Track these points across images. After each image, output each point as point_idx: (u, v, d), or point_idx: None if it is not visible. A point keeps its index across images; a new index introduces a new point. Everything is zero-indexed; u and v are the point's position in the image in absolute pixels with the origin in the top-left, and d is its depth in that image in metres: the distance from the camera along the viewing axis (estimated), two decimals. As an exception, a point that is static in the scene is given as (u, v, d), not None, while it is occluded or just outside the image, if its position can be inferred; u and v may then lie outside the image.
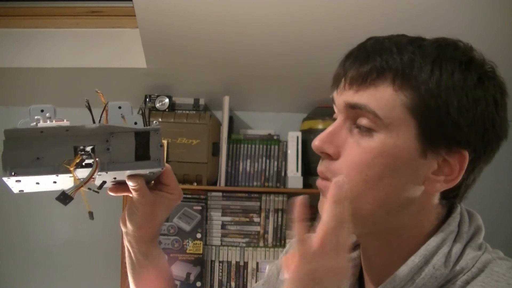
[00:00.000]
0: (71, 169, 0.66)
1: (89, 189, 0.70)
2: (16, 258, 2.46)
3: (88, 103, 0.70)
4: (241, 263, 2.22)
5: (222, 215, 2.22)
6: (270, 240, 2.23)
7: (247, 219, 2.23)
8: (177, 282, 2.12)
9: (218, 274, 2.21)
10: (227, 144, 2.28)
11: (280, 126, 2.46)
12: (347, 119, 0.67)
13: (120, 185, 0.80)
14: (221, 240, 2.22)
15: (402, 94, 0.62)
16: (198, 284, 2.15)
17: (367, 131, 0.64)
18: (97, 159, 0.67)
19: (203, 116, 2.25)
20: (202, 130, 2.22)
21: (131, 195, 0.80)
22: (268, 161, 2.30)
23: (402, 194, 0.65)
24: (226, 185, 2.26)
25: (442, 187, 0.65)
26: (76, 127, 0.67)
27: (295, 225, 0.60)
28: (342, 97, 0.66)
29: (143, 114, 0.75)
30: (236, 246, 2.22)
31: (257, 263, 2.22)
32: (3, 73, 2.25)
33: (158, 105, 2.30)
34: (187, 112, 2.31)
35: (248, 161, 2.30)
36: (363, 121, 0.64)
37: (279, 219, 2.23)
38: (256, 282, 2.18)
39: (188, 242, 2.16)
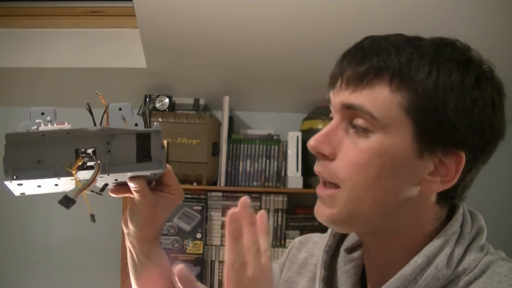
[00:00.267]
0: (73, 172, 0.66)
1: (92, 191, 0.70)
2: (16, 258, 2.46)
3: (89, 106, 0.70)
4: (241, 263, 2.22)
5: (222, 215, 2.22)
6: (270, 240, 2.22)
7: (247, 219, 2.22)
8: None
9: (218, 274, 2.21)
10: (227, 144, 2.28)
11: (280, 126, 2.47)
12: (344, 119, 0.66)
13: (121, 186, 0.80)
14: (221, 240, 2.22)
15: (399, 95, 0.62)
16: (198, 284, 2.15)
17: (364, 131, 0.64)
18: (98, 161, 0.67)
19: (203, 116, 2.25)
20: (202, 130, 2.22)
21: (132, 196, 0.81)
22: (268, 161, 2.30)
23: (399, 194, 0.65)
24: (226, 185, 2.26)
25: (438, 188, 0.65)
26: (77, 130, 0.67)
27: (230, 242, 0.59)
28: (339, 97, 0.66)
29: (143, 116, 0.75)
30: (236, 246, 2.22)
31: (257, 263, 2.22)
32: (3, 73, 2.25)
33: (158, 105, 2.30)
34: (187, 112, 2.31)
35: (248, 161, 2.30)
36: (359, 122, 0.64)
37: (279, 219, 2.23)
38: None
39: (188, 242, 2.16)
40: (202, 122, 2.23)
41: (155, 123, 0.72)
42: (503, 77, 0.67)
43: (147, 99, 2.32)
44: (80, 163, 0.67)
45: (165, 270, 0.92)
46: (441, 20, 1.89)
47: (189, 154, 2.20)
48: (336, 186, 0.66)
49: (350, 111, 0.64)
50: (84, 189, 0.67)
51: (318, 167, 0.68)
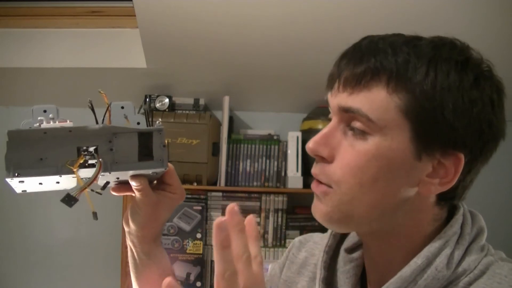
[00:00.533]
0: (75, 170, 0.66)
1: (92, 190, 0.70)
2: (16, 258, 2.46)
3: (91, 104, 0.70)
4: (241, 263, 2.22)
5: (222, 215, 2.21)
6: (270, 240, 2.23)
7: (247, 219, 2.22)
8: (178, 282, 2.12)
9: (218, 274, 2.21)
10: (227, 144, 2.28)
11: (280, 126, 2.47)
12: (341, 121, 0.66)
13: (122, 185, 0.80)
14: (221, 240, 2.22)
15: (396, 97, 0.61)
16: (198, 284, 2.15)
17: (361, 134, 0.63)
18: (100, 159, 0.67)
19: (203, 116, 2.25)
20: (202, 130, 2.22)
21: (133, 194, 0.81)
22: (268, 161, 2.30)
23: (396, 196, 0.64)
24: (226, 185, 2.26)
25: (437, 190, 0.64)
26: (79, 127, 0.67)
27: (218, 251, 0.56)
28: (336, 99, 0.66)
29: (146, 114, 0.75)
30: (236, 246, 2.22)
31: (257, 263, 2.22)
32: (3, 73, 2.25)
33: (158, 105, 2.30)
34: (187, 112, 2.31)
35: (248, 161, 2.30)
36: (357, 124, 0.63)
37: (279, 219, 2.23)
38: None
39: (188, 242, 2.16)
40: (202, 122, 2.23)
41: (157, 122, 0.72)
42: (503, 77, 0.66)
43: (147, 99, 2.32)
44: (81, 161, 0.67)
45: (166, 270, 0.92)
46: (441, 20, 1.89)
47: (189, 154, 2.20)
48: (329, 185, 0.66)
49: (348, 114, 0.64)
50: (86, 187, 0.67)
51: (315, 169, 0.68)
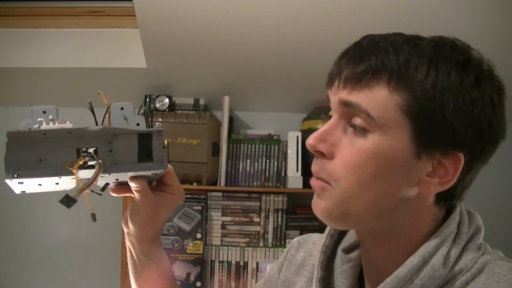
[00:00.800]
0: (74, 171, 0.66)
1: (92, 191, 0.70)
2: (16, 258, 2.46)
3: (91, 105, 0.70)
4: (241, 263, 2.22)
5: (222, 215, 2.23)
6: (270, 240, 2.23)
7: (247, 219, 2.23)
8: (177, 282, 2.12)
9: (218, 274, 2.21)
10: (227, 144, 2.28)
11: (280, 126, 2.47)
12: (342, 118, 0.66)
13: (122, 186, 0.80)
14: (221, 240, 2.22)
15: (397, 95, 0.61)
16: (198, 284, 2.15)
17: (361, 131, 0.63)
18: (99, 161, 0.67)
19: (203, 116, 2.25)
20: (202, 130, 2.22)
21: (133, 195, 0.81)
22: (268, 161, 2.30)
23: (395, 195, 0.64)
24: (226, 185, 2.26)
25: (436, 190, 0.64)
26: (79, 129, 0.68)
27: None
28: (337, 95, 0.66)
29: (145, 115, 0.75)
30: (236, 246, 2.23)
31: (257, 263, 2.22)
32: (3, 73, 2.25)
33: (158, 105, 2.30)
34: (187, 112, 2.31)
35: (248, 161, 2.30)
36: (357, 121, 0.63)
37: (279, 219, 2.23)
38: (256, 282, 2.18)
39: (188, 242, 2.16)
40: (202, 122, 2.23)
41: (157, 123, 0.72)
42: (503, 77, 0.66)
43: (147, 99, 2.32)
44: (81, 162, 0.67)
45: (165, 270, 0.93)
46: (441, 20, 1.89)
47: (189, 154, 2.20)
48: (328, 182, 0.66)
49: (348, 109, 0.64)
50: (85, 188, 0.67)
51: (315, 166, 0.68)
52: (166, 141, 0.71)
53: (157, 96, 2.31)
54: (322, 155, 0.67)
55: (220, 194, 2.23)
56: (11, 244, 2.47)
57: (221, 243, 2.22)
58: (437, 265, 0.63)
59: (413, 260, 0.64)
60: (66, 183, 0.70)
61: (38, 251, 2.46)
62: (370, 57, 0.62)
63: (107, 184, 0.74)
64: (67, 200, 0.66)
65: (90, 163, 0.67)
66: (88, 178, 0.68)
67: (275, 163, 2.30)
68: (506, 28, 1.94)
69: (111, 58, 2.24)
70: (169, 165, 0.78)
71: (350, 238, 0.78)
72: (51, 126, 0.67)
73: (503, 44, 1.97)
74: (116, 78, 2.28)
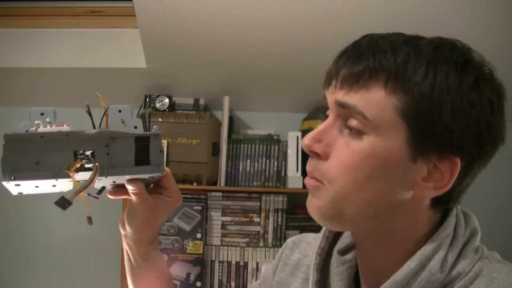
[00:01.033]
0: (71, 174, 0.66)
1: (89, 194, 0.70)
2: (16, 258, 2.47)
3: (89, 108, 0.70)
4: (241, 263, 2.22)
5: (222, 215, 2.23)
6: (270, 240, 2.23)
7: (247, 219, 2.23)
8: (177, 282, 2.13)
9: (218, 274, 2.21)
10: (227, 144, 2.28)
11: (280, 126, 2.47)
12: (338, 118, 0.65)
13: (119, 188, 0.80)
14: (221, 240, 2.22)
15: (394, 97, 0.60)
16: (198, 284, 2.15)
17: (357, 132, 0.62)
18: (96, 163, 0.67)
19: (203, 116, 2.25)
20: (202, 130, 2.22)
21: (130, 198, 0.81)
22: (268, 161, 2.30)
23: (390, 197, 0.64)
24: (226, 185, 2.26)
25: (431, 194, 0.63)
26: (76, 132, 0.68)
27: None
28: (333, 95, 0.65)
29: (143, 118, 0.75)
30: (236, 246, 2.23)
31: (257, 263, 2.22)
32: (3, 73, 2.26)
33: (158, 105, 2.30)
34: (187, 112, 2.31)
35: (248, 161, 2.30)
36: (353, 123, 0.63)
37: (279, 219, 2.23)
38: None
39: (188, 242, 2.16)
40: (202, 122, 2.23)
41: (155, 127, 0.72)
42: (503, 77, 0.65)
43: (147, 99, 2.32)
44: (78, 165, 0.67)
45: (163, 272, 0.93)
46: (441, 20, 1.89)
47: (189, 154, 2.20)
48: (321, 181, 0.66)
49: (344, 110, 0.63)
50: (82, 191, 0.67)
51: (309, 166, 0.68)
52: (166, 142, 0.71)
53: (157, 96, 2.32)
54: (317, 155, 0.66)
55: (220, 194, 2.23)
56: (11, 244, 2.47)
57: (221, 243, 2.22)
58: (434, 269, 0.62)
59: (410, 264, 0.63)
60: (63, 185, 0.70)
61: (38, 251, 2.46)
62: (368, 57, 0.62)
63: (103, 187, 0.74)
64: (63, 202, 0.66)
65: (87, 165, 0.67)
66: (85, 181, 0.68)
67: (275, 163, 2.30)
68: (506, 28, 1.94)
69: (111, 58, 2.24)
70: (166, 168, 0.78)
71: (345, 239, 0.78)
72: (49, 128, 0.67)
73: (503, 44, 1.97)
74: (116, 78, 2.28)
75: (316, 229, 0.91)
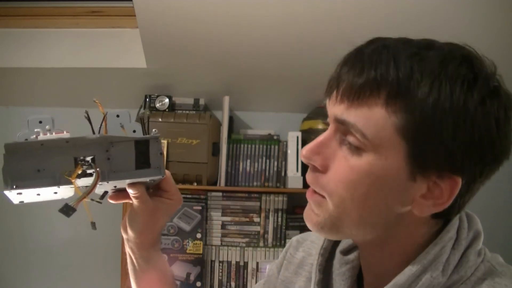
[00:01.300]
0: (73, 180, 0.66)
1: (92, 199, 0.71)
2: (16, 259, 2.47)
3: (88, 114, 0.70)
4: (241, 263, 2.23)
5: (222, 215, 2.23)
6: (270, 240, 2.23)
7: (247, 219, 2.23)
8: (177, 282, 2.13)
9: (218, 274, 2.21)
10: (227, 144, 2.28)
11: (280, 126, 2.46)
12: (338, 131, 0.65)
13: (120, 192, 0.81)
14: (221, 240, 2.23)
15: (394, 116, 0.59)
16: (198, 284, 2.15)
17: (356, 149, 0.61)
18: (98, 169, 0.68)
19: (203, 116, 2.25)
20: (202, 130, 2.22)
21: (131, 202, 0.81)
22: (268, 161, 2.30)
23: (387, 214, 0.63)
24: (226, 185, 2.26)
25: (430, 211, 0.63)
26: (76, 138, 0.68)
27: None
28: (333, 110, 0.64)
29: (141, 122, 0.76)
30: (236, 246, 2.23)
31: (257, 263, 2.22)
32: (3, 73, 2.25)
33: (158, 105, 2.30)
34: (187, 112, 2.31)
35: (248, 161, 2.30)
36: (351, 139, 0.62)
37: (279, 219, 2.23)
38: (256, 282, 2.18)
39: (188, 242, 2.16)
40: (202, 122, 2.23)
41: (154, 130, 0.72)
42: (503, 77, 0.63)
43: (147, 99, 2.32)
44: (79, 171, 0.67)
45: (166, 275, 0.93)
46: (441, 20, 1.89)
47: (189, 154, 2.20)
48: (323, 195, 0.65)
49: (343, 126, 0.62)
50: (84, 197, 0.67)
51: (309, 177, 0.67)
52: (166, 142, 0.72)
53: (157, 96, 2.32)
54: (315, 168, 0.66)
55: (220, 194, 2.23)
56: (11, 245, 2.47)
57: (221, 243, 2.23)
58: (436, 273, 0.62)
59: (412, 268, 0.63)
60: (64, 192, 0.71)
61: (38, 251, 2.46)
62: (369, 71, 0.60)
63: (106, 192, 0.75)
64: (67, 209, 0.66)
65: (88, 171, 0.68)
66: (87, 186, 0.68)
67: (275, 163, 2.30)
68: (506, 28, 1.94)
69: (111, 58, 2.24)
70: (166, 171, 0.79)
71: (348, 239, 0.78)
72: (48, 136, 0.67)
73: (503, 44, 1.97)
74: (116, 78, 2.28)
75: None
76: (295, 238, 0.93)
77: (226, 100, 2.29)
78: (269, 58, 2.17)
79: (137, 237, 0.84)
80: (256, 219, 2.23)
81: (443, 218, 0.67)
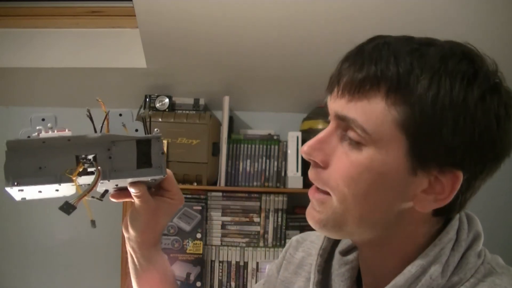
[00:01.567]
0: (74, 178, 0.66)
1: (93, 197, 0.71)
2: (16, 259, 2.47)
3: (89, 112, 0.70)
4: (241, 263, 2.23)
5: (222, 215, 2.23)
6: (270, 240, 2.23)
7: (247, 219, 2.23)
8: (177, 282, 2.13)
9: (218, 274, 2.21)
10: (227, 144, 2.28)
11: (280, 126, 2.46)
12: (339, 127, 0.65)
13: (121, 191, 0.81)
14: (221, 240, 2.23)
15: (394, 110, 0.59)
16: (198, 284, 2.15)
17: (356, 144, 0.62)
18: (99, 167, 0.68)
19: (203, 116, 2.25)
20: (202, 130, 2.22)
21: (132, 201, 0.81)
22: (268, 161, 2.30)
23: (389, 210, 0.63)
24: (226, 185, 2.26)
25: (431, 206, 0.63)
26: (78, 136, 0.68)
27: None
28: (334, 105, 0.64)
29: (143, 121, 0.76)
30: (236, 246, 2.23)
31: (257, 263, 2.22)
32: (3, 73, 2.25)
33: (158, 105, 2.30)
34: (187, 112, 2.31)
35: (248, 161, 2.30)
36: (351, 134, 0.62)
37: (279, 219, 2.23)
38: (256, 282, 2.18)
39: (188, 242, 2.16)
40: (202, 122, 2.23)
41: (156, 129, 0.72)
42: (506, 78, 0.63)
43: (147, 99, 2.32)
44: (80, 170, 0.67)
45: (167, 274, 0.93)
46: (442, 21, 1.89)
47: (189, 154, 2.20)
48: (327, 192, 0.65)
49: (344, 122, 0.63)
50: (85, 195, 0.67)
51: (311, 174, 0.67)
52: (166, 142, 0.72)
53: (157, 96, 2.32)
54: (316, 163, 0.66)
55: (220, 194, 2.23)
56: (11, 245, 2.47)
57: (221, 243, 2.23)
58: (435, 274, 0.62)
59: (411, 269, 0.63)
60: (66, 190, 0.71)
61: (38, 251, 2.46)
62: (369, 66, 0.60)
63: (106, 190, 0.75)
64: (67, 207, 0.66)
65: (89, 170, 0.68)
66: (88, 185, 0.68)
67: (275, 163, 2.30)
68: (509, 28, 1.94)
69: (111, 58, 2.24)
70: (168, 170, 0.79)
71: (347, 240, 0.78)
72: (50, 134, 0.68)
73: (505, 45, 1.97)
74: (116, 78, 2.28)
75: (316, 229, 0.90)
76: (294, 238, 0.93)
77: (226, 100, 2.29)
78: (269, 58, 2.17)
79: (138, 236, 0.84)
80: (256, 219, 2.23)
81: (444, 216, 0.67)
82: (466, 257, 0.64)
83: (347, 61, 0.64)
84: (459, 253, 0.64)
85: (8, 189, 0.66)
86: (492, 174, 0.64)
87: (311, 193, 0.68)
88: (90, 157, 0.68)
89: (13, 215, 2.44)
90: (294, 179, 2.25)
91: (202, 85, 2.36)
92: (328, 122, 0.68)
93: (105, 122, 0.72)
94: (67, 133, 0.68)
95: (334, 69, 0.66)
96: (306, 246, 0.89)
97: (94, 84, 2.32)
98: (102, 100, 0.74)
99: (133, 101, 2.32)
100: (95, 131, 0.71)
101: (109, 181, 0.70)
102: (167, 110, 2.30)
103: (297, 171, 2.26)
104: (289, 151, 2.29)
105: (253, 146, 2.31)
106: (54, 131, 0.68)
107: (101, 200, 0.73)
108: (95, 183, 0.67)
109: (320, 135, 0.66)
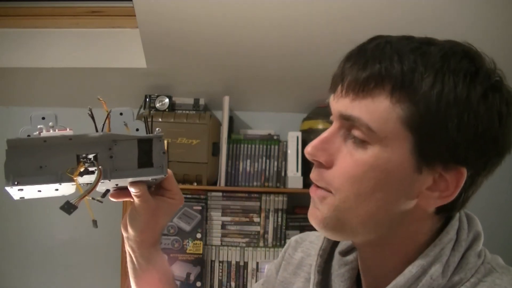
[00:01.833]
0: (74, 178, 0.66)
1: (93, 198, 0.70)
2: (16, 259, 2.46)
3: (91, 111, 0.70)
4: (241, 263, 2.22)
5: (222, 215, 2.23)
6: (270, 240, 2.23)
7: (247, 219, 2.23)
8: (177, 282, 2.12)
9: (218, 274, 2.21)
10: (227, 144, 2.28)
11: (280, 126, 2.46)
12: (342, 127, 0.65)
13: (121, 191, 0.81)
14: (221, 240, 2.22)
15: (399, 107, 0.59)
16: (198, 284, 2.15)
17: (361, 143, 0.62)
18: (100, 167, 0.67)
19: (203, 116, 2.25)
20: (202, 130, 2.22)
21: (132, 200, 0.81)
22: (268, 161, 2.30)
23: (393, 208, 0.63)
24: (226, 185, 2.26)
25: (436, 204, 0.63)
26: (79, 135, 0.68)
27: None
28: (338, 105, 0.64)
29: (145, 121, 0.75)
30: (236, 246, 2.23)
31: (257, 263, 2.22)
32: (3, 73, 2.25)
33: (158, 105, 2.30)
34: (187, 112, 2.31)
35: (248, 161, 2.30)
36: (356, 133, 0.62)
37: (279, 219, 2.23)
38: (256, 282, 2.18)
39: (188, 242, 2.16)
40: (202, 122, 2.23)
41: (157, 129, 0.72)
42: (506, 77, 0.63)
43: (147, 99, 2.32)
44: (81, 169, 0.67)
45: (166, 274, 0.93)
46: (442, 20, 1.89)
47: (189, 154, 2.20)
48: (329, 190, 0.65)
49: (348, 121, 0.63)
50: (86, 195, 0.67)
51: (314, 174, 0.67)
52: (166, 142, 0.72)
53: (157, 96, 2.31)
54: (320, 164, 0.66)
55: (220, 194, 2.23)
56: (11, 245, 2.47)
57: (221, 243, 2.22)
58: (435, 274, 0.62)
59: (412, 269, 0.63)
60: (66, 189, 0.71)
61: (38, 251, 2.45)
62: (373, 65, 0.60)
63: (107, 190, 0.74)
64: (68, 207, 0.66)
65: (90, 169, 0.68)
66: (88, 184, 0.68)
67: (275, 163, 2.30)
68: (507, 27, 1.94)
69: (111, 58, 2.24)
70: (168, 170, 0.78)
71: (346, 240, 0.77)
72: (51, 133, 0.67)
73: (505, 45, 1.97)
74: (116, 78, 2.28)
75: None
76: (293, 239, 0.93)
77: (226, 100, 2.29)
78: (269, 58, 2.17)
79: (137, 235, 0.84)
80: (256, 219, 2.23)
81: (446, 214, 0.67)
82: (466, 257, 0.64)
83: (349, 61, 0.64)
84: (460, 253, 0.64)
85: (8, 188, 0.66)
86: (493, 171, 0.64)
87: (313, 190, 0.68)
88: (91, 156, 0.68)
89: (13, 215, 2.44)
90: (294, 179, 2.25)
91: (202, 85, 2.36)
92: (329, 122, 0.67)
93: (107, 121, 0.72)
94: (68, 132, 0.68)
95: (336, 68, 0.66)
96: (305, 247, 0.89)
97: (94, 84, 2.31)
98: (102, 100, 0.74)
99: (133, 101, 2.32)
100: (96, 130, 0.71)
101: (110, 180, 0.70)
102: (167, 110, 2.30)
103: (297, 171, 2.26)
104: (289, 151, 2.29)
105: (253, 146, 2.31)
106: (55, 130, 0.68)
107: (101, 202, 0.73)
108: (96, 182, 0.67)
109: (324, 135, 0.66)
